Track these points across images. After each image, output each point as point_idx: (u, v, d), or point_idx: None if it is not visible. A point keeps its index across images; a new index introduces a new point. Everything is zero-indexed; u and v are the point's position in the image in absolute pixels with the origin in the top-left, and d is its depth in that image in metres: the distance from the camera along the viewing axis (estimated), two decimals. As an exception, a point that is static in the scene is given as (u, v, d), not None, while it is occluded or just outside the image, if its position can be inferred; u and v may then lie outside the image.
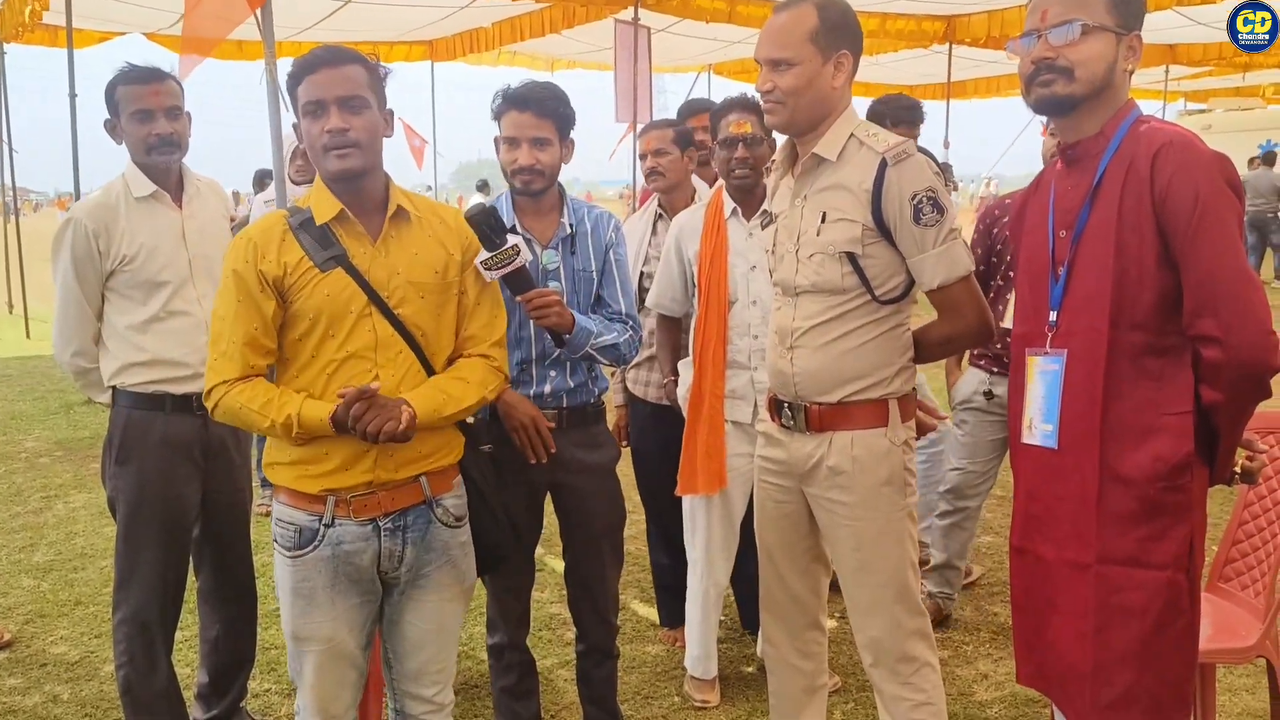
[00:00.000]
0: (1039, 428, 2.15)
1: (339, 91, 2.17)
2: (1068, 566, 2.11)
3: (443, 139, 15.98)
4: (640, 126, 3.90)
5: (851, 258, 2.34)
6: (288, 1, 8.92)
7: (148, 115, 2.93)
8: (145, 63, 3.01)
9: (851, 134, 2.37)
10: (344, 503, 2.22)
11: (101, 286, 2.98)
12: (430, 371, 2.30)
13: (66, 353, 3.04)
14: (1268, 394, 1.99)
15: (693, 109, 4.09)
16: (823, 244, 2.36)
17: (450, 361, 2.37)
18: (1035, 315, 2.18)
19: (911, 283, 2.38)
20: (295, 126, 2.33)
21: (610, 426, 2.93)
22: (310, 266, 2.19)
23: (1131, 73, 2.10)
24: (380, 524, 2.26)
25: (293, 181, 4.97)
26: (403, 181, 2.37)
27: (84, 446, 6.98)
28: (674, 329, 3.55)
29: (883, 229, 2.31)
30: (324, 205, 2.23)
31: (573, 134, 2.79)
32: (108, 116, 3.00)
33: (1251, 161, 16.07)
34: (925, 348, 2.48)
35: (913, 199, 2.27)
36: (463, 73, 14.24)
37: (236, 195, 14.88)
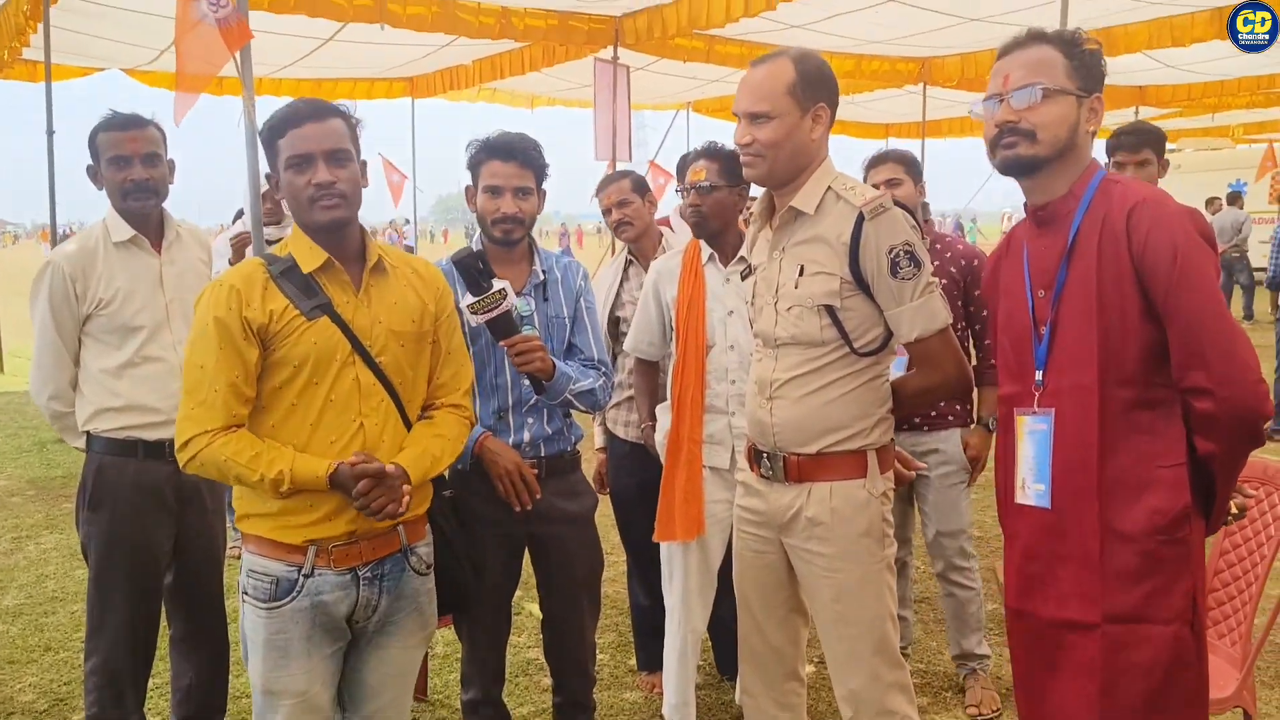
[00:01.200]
0: (1031, 488, 2.15)
1: (326, 145, 2.21)
2: (1070, 627, 2.09)
3: (422, 173, 16.01)
4: (598, 183, 3.92)
5: (830, 310, 2.36)
6: (268, 39, 8.96)
7: (125, 161, 2.97)
8: (129, 105, 3.07)
9: (829, 187, 2.40)
10: (325, 552, 2.22)
11: (78, 331, 2.99)
12: (406, 420, 2.32)
13: (43, 396, 3.06)
14: (1261, 441, 2.01)
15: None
16: (801, 297, 2.38)
17: (423, 408, 2.40)
18: (1021, 375, 2.20)
19: (889, 335, 2.40)
20: (268, 177, 2.35)
21: (592, 473, 2.93)
22: (296, 314, 2.20)
23: (1094, 134, 2.15)
24: (359, 573, 2.25)
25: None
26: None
27: (57, 486, 6.90)
28: (652, 373, 3.56)
29: (860, 282, 2.34)
30: (308, 254, 2.24)
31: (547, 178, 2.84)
32: (90, 163, 3.02)
33: (1211, 202, 16.27)
34: (903, 399, 2.49)
35: (890, 253, 2.29)
36: (442, 107, 14.29)
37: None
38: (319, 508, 2.19)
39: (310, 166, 2.20)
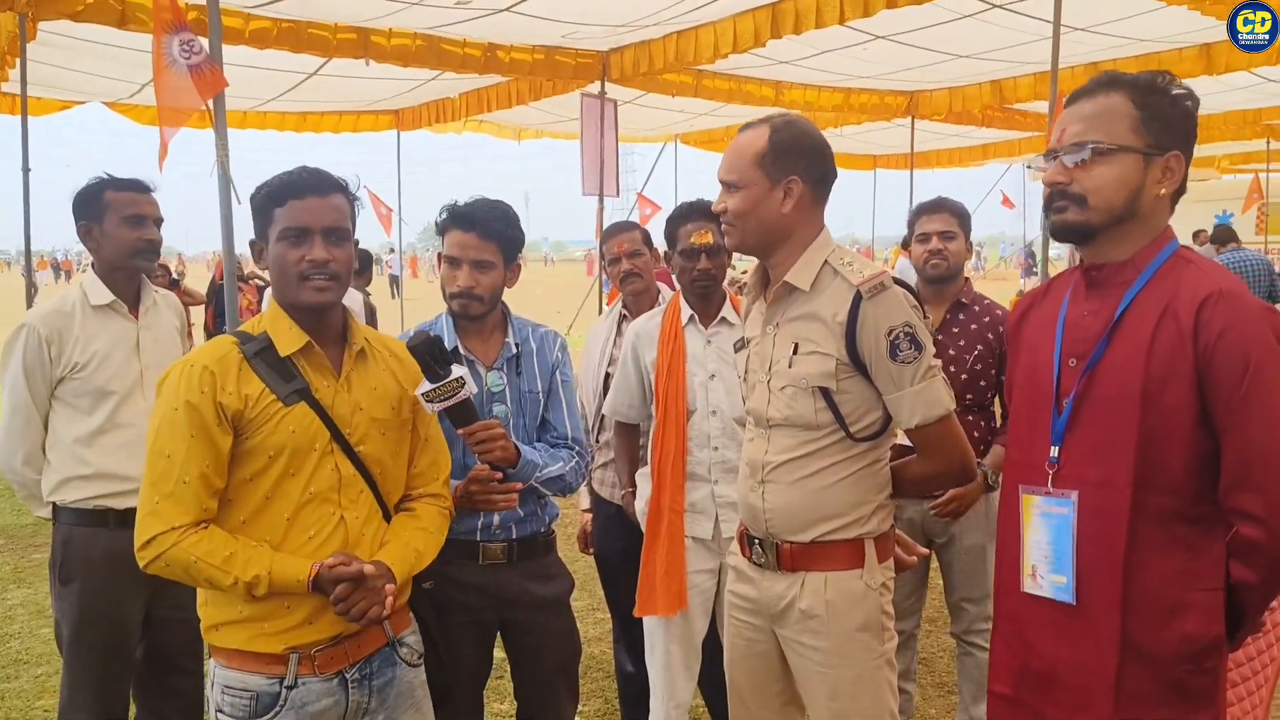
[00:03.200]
0: (1048, 579, 1.95)
1: (326, 221, 2.08)
2: None
3: (408, 200, 15.98)
4: (604, 230, 3.82)
5: (825, 393, 2.23)
6: (251, 74, 8.87)
7: (140, 220, 3.02)
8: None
9: (826, 261, 2.27)
10: (308, 659, 2.05)
11: (50, 394, 2.95)
12: (385, 511, 2.19)
13: (15, 460, 3.01)
14: None
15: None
16: (795, 376, 2.26)
17: (400, 499, 2.26)
18: (1032, 446, 2.01)
19: (889, 419, 2.27)
20: (253, 244, 2.20)
21: (576, 533, 2.78)
22: (273, 400, 2.04)
23: (1168, 196, 1.90)
24: (347, 675, 2.10)
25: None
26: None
27: (27, 535, 6.70)
28: (632, 436, 3.44)
29: (858, 364, 2.21)
30: (287, 335, 2.10)
31: (520, 257, 2.70)
32: (84, 222, 3.01)
33: (1198, 234, 16.22)
34: (903, 485, 2.36)
35: (889, 334, 2.16)
36: (427, 138, 14.24)
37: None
38: (297, 611, 2.03)
39: (307, 241, 2.07)
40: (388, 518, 2.20)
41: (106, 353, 2.96)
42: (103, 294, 3.01)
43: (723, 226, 2.36)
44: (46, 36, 7.44)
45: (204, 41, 4.45)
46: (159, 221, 3.09)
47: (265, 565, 1.97)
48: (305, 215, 2.07)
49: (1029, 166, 2.18)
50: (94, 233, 3.03)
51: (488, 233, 2.57)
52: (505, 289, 2.69)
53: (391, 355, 2.28)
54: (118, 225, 3.00)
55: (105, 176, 3.07)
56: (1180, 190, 1.93)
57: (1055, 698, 1.96)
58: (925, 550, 2.52)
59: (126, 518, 2.83)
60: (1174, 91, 1.88)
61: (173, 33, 4.27)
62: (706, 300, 3.15)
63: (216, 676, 2.09)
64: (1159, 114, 1.86)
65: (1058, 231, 1.96)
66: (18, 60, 7.35)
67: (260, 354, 2.08)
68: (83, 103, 10.68)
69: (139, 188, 3.05)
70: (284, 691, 2.03)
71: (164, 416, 2.03)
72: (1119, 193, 1.86)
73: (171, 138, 4.51)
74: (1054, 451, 1.94)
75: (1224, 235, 12.71)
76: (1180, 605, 1.83)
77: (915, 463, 2.34)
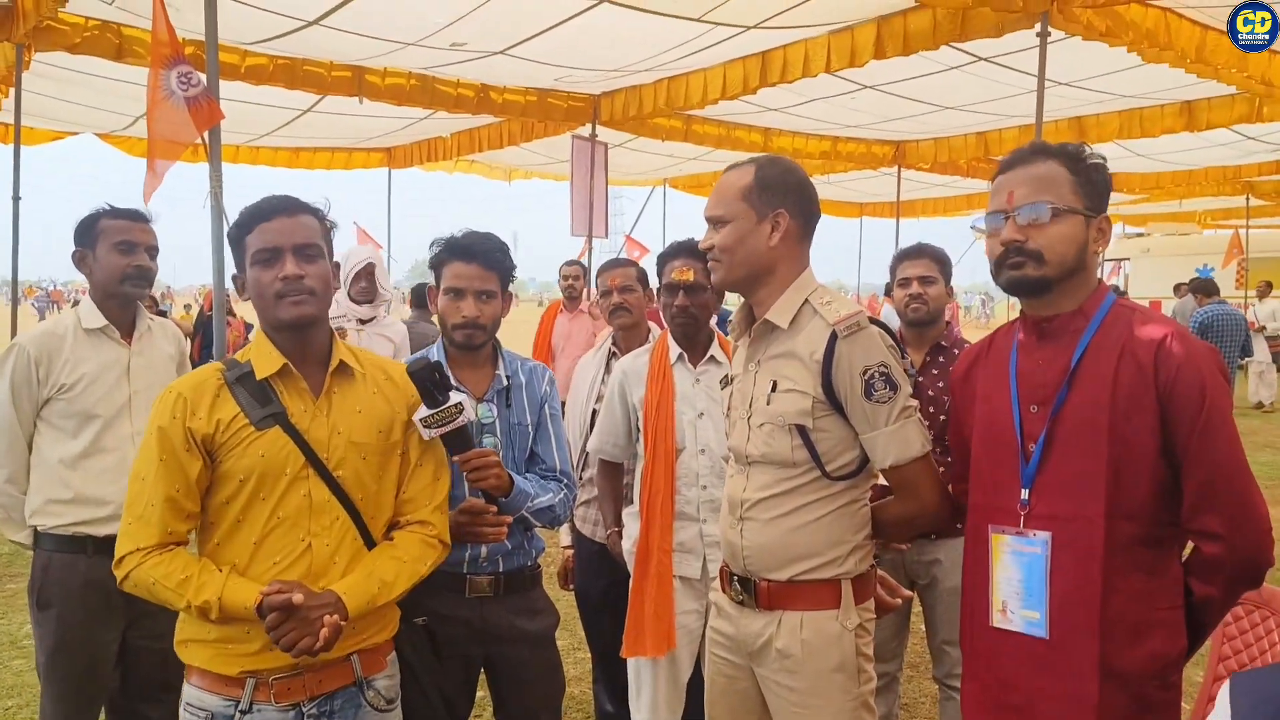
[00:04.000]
0: (1019, 614, 2.03)
1: (296, 239, 2.11)
2: None
3: (398, 237, 16.00)
4: (601, 264, 3.87)
5: (801, 430, 2.24)
6: (245, 109, 8.94)
7: (131, 247, 3.04)
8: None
9: (806, 300, 2.30)
10: (265, 685, 2.04)
11: (35, 415, 2.98)
12: (368, 538, 2.16)
13: None
14: (1258, 586, 1.99)
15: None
16: (772, 414, 2.28)
17: (390, 525, 2.24)
18: (997, 490, 2.10)
19: (866, 459, 2.28)
20: (235, 279, 2.23)
21: (556, 570, 2.77)
22: (245, 424, 2.07)
23: (1100, 254, 2.08)
24: (304, 709, 2.07)
25: (353, 301, 5.01)
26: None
27: (2, 563, 6.63)
28: (616, 475, 3.45)
29: (834, 402, 2.23)
30: (266, 359, 2.12)
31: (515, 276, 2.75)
32: (76, 249, 3.07)
33: (1179, 288, 16.41)
34: (882, 527, 2.37)
35: (864, 374, 2.18)
36: (418, 176, 14.33)
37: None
38: (256, 638, 2.02)
39: (278, 261, 2.10)
40: (371, 545, 2.17)
41: (94, 376, 2.98)
42: (96, 318, 3.05)
43: (709, 263, 2.38)
44: (41, 67, 7.50)
45: (202, 76, 4.50)
46: (153, 250, 3.11)
47: (216, 591, 1.97)
48: (275, 236, 2.10)
49: (972, 228, 2.27)
50: (87, 259, 3.08)
51: (489, 263, 2.61)
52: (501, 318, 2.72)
53: (386, 378, 2.27)
54: (108, 251, 3.04)
55: (106, 206, 3.11)
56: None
57: None
58: (909, 593, 2.53)
59: (105, 545, 2.87)
60: (1095, 161, 2.05)
61: (170, 66, 4.32)
62: (689, 338, 3.18)
63: (184, 694, 2.10)
64: (1089, 180, 2.03)
65: (1014, 286, 2.06)
66: (11, 90, 7.40)
67: (241, 379, 2.10)
68: (75, 134, 10.73)
69: (134, 216, 3.08)
70: (238, 715, 2.03)
71: (143, 441, 2.09)
72: (1070, 248, 2.00)
73: (165, 171, 4.55)
74: (1024, 494, 2.04)
75: (1206, 288, 12.86)
76: (1146, 624, 1.95)
77: (893, 504, 2.35)
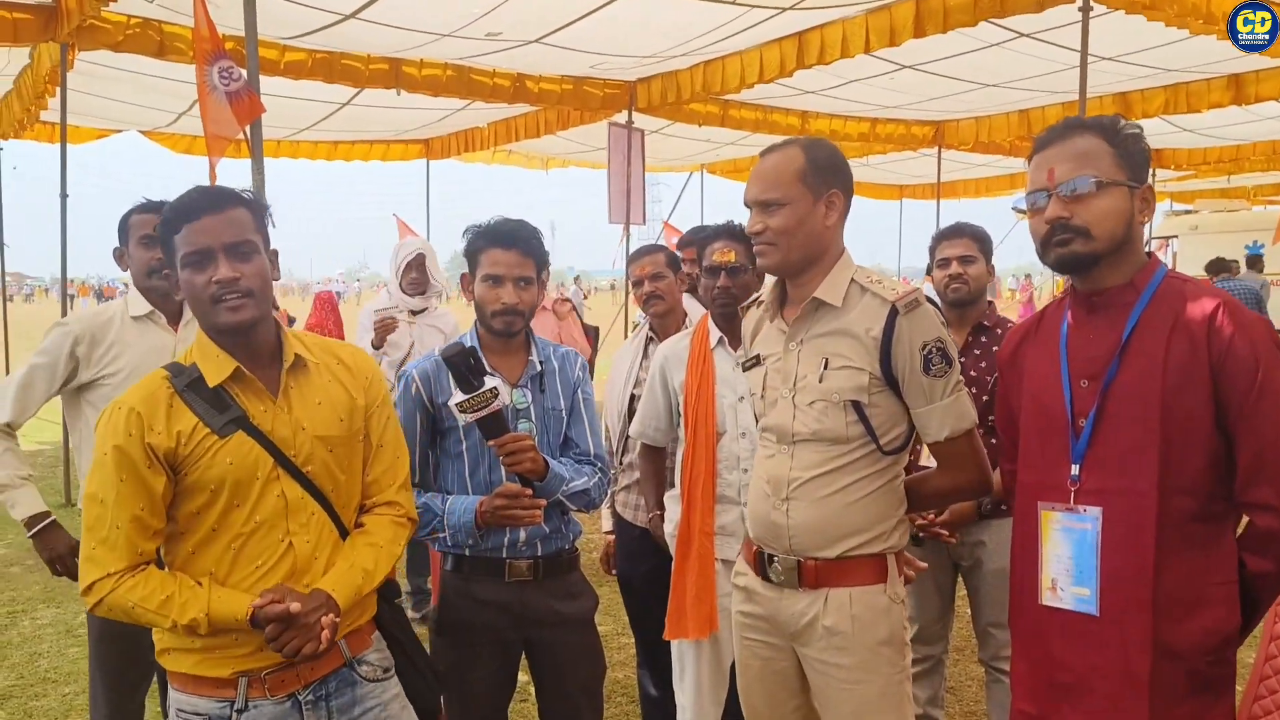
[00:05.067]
0: (1069, 591, 2.02)
1: (226, 238, 2.00)
2: None
3: (435, 231, 16.07)
4: (631, 253, 3.88)
5: (857, 406, 2.26)
6: (284, 104, 9.02)
7: (152, 241, 3.01)
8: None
9: (852, 279, 2.32)
10: (258, 682, 2.02)
11: (51, 387, 3.03)
12: (342, 529, 2.14)
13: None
14: None
15: (684, 242, 4.10)
16: (825, 391, 2.28)
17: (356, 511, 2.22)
18: (1048, 466, 2.08)
19: (911, 433, 2.31)
20: (168, 276, 2.10)
21: (600, 555, 2.78)
22: (207, 433, 1.99)
23: (1145, 225, 2.06)
24: (300, 697, 2.06)
25: (405, 293, 5.04)
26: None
27: (57, 554, 6.76)
28: (659, 459, 3.45)
29: (890, 378, 2.25)
30: (214, 364, 2.04)
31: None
32: (117, 245, 3.17)
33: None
34: (923, 499, 2.40)
35: (923, 349, 2.21)
36: (456, 167, 14.40)
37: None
38: (245, 642, 2.00)
39: (210, 263, 1.98)
40: (344, 534, 2.16)
41: (138, 363, 3.02)
42: (141, 305, 3.14)
43: (758, 248, 2.36)
44: (85, 66, 7.63)
45: (243, 70, 4.55)
46: None
47: (202, 607, 1.93)
48: (203, 236, 1.99)
49: (1013, 209, 2.25)
50: (124, 256, 3.18)
51: (527, 250, 2.62)
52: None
53: (339, 364, 2.20)
54: (136, 246, 3.13)
55: (142, 200, 3.17)
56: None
57: (1086, 706, 2.00)
58: (923, 565, 2.54)
59: None
60: (1132, 131, 2.03)
61: (212, 61, 4.37)
62: (729, 320, 3.17)
63: (171, 699, 2.07)
64: (1128, 151, 2.01)
65: (1062, 264, 2.04)
66: (58, 89, 7.53)
67: (191, 386, 2.02)
68: (119, 131, 10.90)
69: (155, 209, 3.09)
70: (234, 715, 2.01)
71: (96, 461, 2.00)
72: (1117, 221, 1.98)
73: (215, 165, 4.60)
74: (1075, 470, 2.02)
75: (1217, 266, 12.87)
76: (1199, 600, 1.93)
77: (936, 476, 2.38)
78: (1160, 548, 1.93)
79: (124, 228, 3.15)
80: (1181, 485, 1.93)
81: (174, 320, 3.17)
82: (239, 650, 2.01)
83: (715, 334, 3.20)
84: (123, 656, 3.03)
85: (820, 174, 2.30)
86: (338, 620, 1.99)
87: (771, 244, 2.31)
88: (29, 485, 3.07)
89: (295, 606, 1.93)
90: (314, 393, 2.13)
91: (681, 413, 3.23)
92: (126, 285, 3.38)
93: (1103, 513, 1.98)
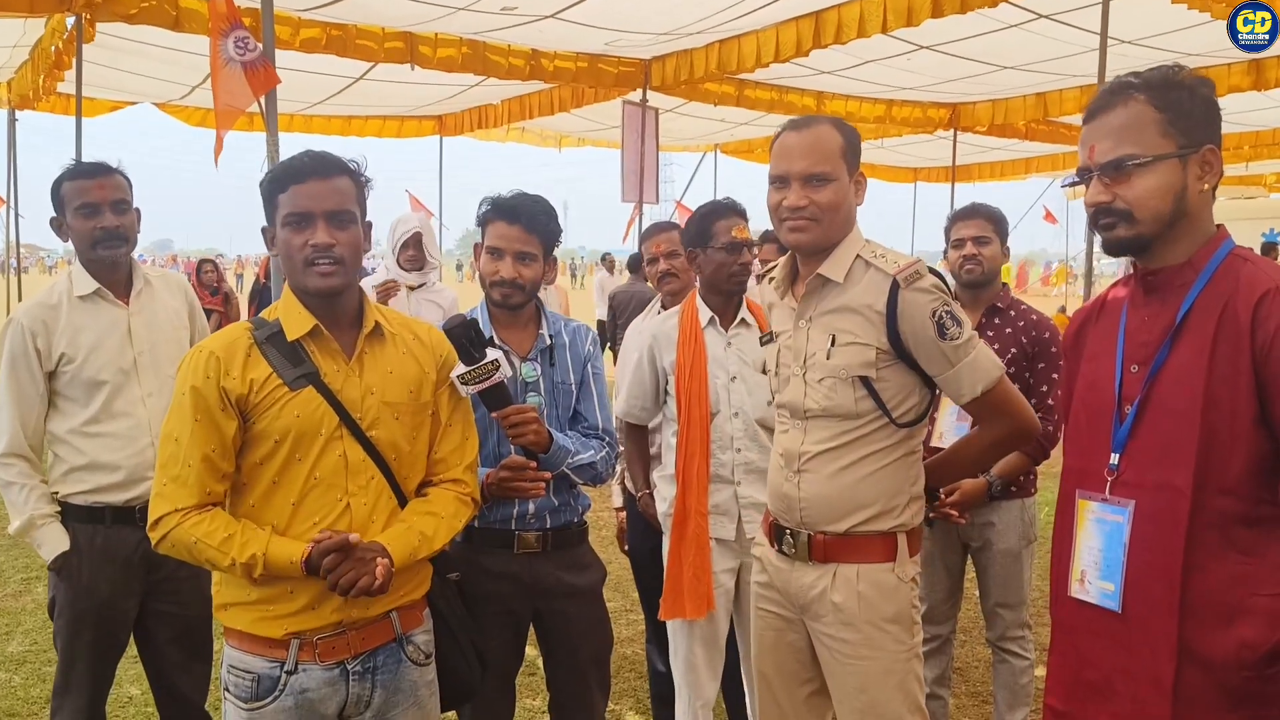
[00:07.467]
0: (1095, 584, 1.92)
1: (328, 205, 2.06)
2: None
3: (449, 208, 16.08)
4: (644, 229, 3.85)
5: (865, 381, 2.26)
6: (298, 77, 9.02)
7: (94, 209, 2.86)
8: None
9: (858, 255, 2.32)
10: (309, 646, 2.06)
11: (38, 386, 2.87)
12: (401, 497, 2.17)
13: None
14: None
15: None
16: (834, 368, 2.29)
17: (421, 485, 2.25)
18: (1090, 453, 1.97)
19: (927, 405, 2.32)
20: (264, 230, 2.18)
21: (615, 532, 2.78)
22: (279, 384, 2.04)
23: (1211, 190, 1.85)
24: (349, 666, 2.10)
25: (402, 268, 5.00)
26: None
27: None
28: (642, 437, 3.45)
29: (899, 351, 2.25)
30: (296, 320, 2.10)
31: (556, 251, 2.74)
32: (54, 215, 2.93)
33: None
34: (966, 463, 2.43)
35: (934, 317, 2.21)
36: (469, 144, 14.41)
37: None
38: (299, 596, 2.04)
39: (309, 226, 2.04)
40: (404, 504, 2.18)
41: (95, 344, 2.88)
42: (87, 283, 2.90)
43: (796, 223, 2.30)
44: (100, 38, 7.64)
45: (258, 42, 4.55)
46: (119, 204, 2.89)
47: (261, 546, 1.97)
48: (307, 200, 2.05)
49: (1064, 186, 2.14)
50: (63, 227, 2.93)
51: (531, 226, 2.61)
52: (545, 284, 2.72)
53: (415, 338, 2.25)
54: (74, 217, 2.88)
55: (72, 164, 2.92)
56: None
57: (1111, 708, 1.91)
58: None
59: (123, 514, 2.87)
60: (1189, 82, 1.83)
61: (228, 33, 4.37)
62: (730, 297, 3.16)
63: (225, 656, 2.12)
64: (1183, 111, 1.82)
65: (1110, 248, 1.92)
66: (74, 61, 7.55)
67: (271, 339, 2.08)
68: (134, 103, 10.92)
69: (91, 172, 2.88)
70: (284, 676, 2.05)
71: (174, 402, 2.06)
72: (1164, 200, 1.82)
73: (223, 137, 4.62)
74: (1114, 458, 1.91)
75: (1265, 252, 12.65)
76: (1240, 609, 1.77)
77: (977, 435, 2.39)
78: (1194, 549, 1.78)
79: (57, 195, 2.89)
80: (1223, 484, 1.77)
81: (123, 293, 2.96)
82: (291, 606, 2.04)
83: (705, 313, 3.19)
84: (97, 638, 2.90)
85: (855, 154, 2.33)
86: (393, 568, 2.02)
87: (814, 220, 2.28)
88: (53, 522, 2.88)
89: (355, 538, 1.98)
90: (387, 361, 2.17)
91: (670, 392, 3.23)
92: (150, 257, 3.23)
93: (1135, 506, 1.85)
